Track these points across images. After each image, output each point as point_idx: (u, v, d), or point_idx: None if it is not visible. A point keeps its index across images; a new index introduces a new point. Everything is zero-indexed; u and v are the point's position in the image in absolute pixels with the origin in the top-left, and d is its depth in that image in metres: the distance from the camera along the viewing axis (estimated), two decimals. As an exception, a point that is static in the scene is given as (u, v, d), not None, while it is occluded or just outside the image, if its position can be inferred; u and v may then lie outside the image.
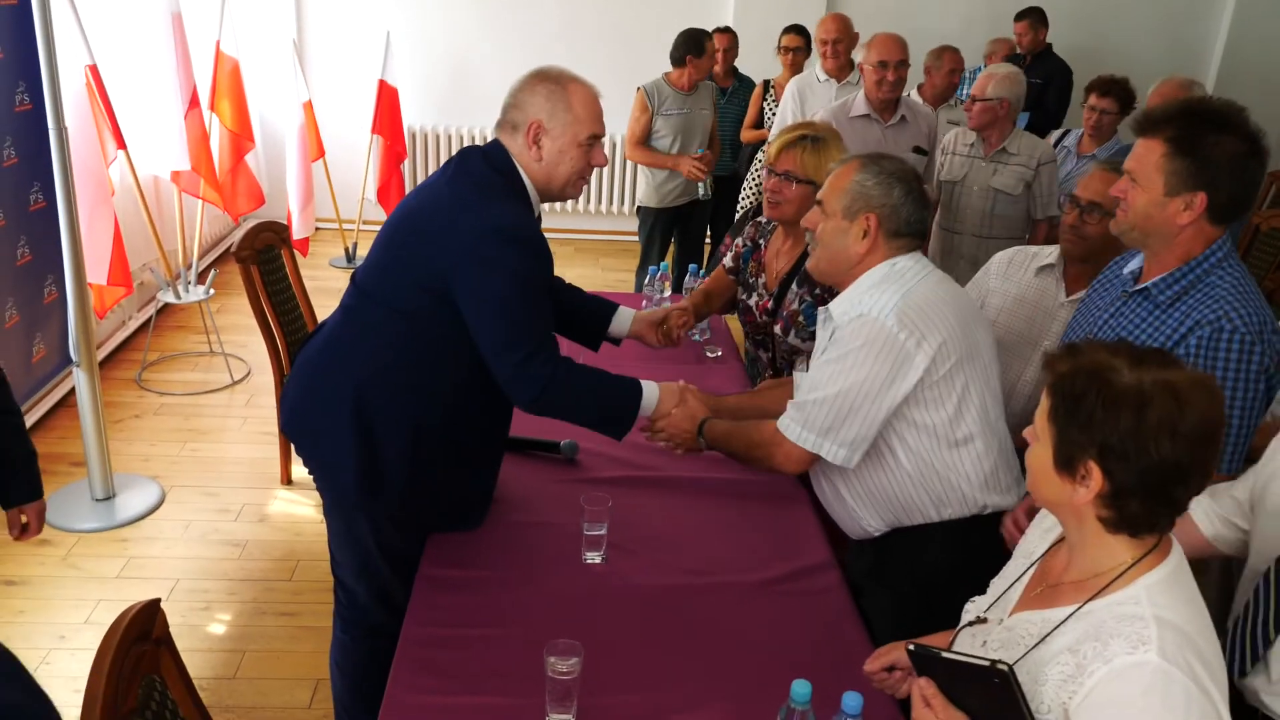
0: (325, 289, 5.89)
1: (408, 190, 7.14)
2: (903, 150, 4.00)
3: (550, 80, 2.12)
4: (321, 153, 6.40)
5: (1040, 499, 1.40)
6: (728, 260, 2.98)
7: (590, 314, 2.62)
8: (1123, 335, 2.07)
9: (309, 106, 6.25)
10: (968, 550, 2.05)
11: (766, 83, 5.47)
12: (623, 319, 2.63)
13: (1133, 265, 2.15)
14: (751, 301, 2.85)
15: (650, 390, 2.26)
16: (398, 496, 2.14)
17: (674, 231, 5.23)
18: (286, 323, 3.74)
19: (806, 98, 4.83)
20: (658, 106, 4.91)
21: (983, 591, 1.61)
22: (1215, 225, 2.00)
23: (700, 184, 4.92)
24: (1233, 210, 1.98)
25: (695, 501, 2.45)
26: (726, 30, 5.54)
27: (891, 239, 2.09)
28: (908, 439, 2.04)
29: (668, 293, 3.51)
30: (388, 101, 6.55)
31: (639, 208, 5.27)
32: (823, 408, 2.04)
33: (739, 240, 2.98)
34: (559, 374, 2.09)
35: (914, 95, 4.80)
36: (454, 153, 7.18)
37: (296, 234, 6.06)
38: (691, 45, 4.84)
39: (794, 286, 2.70)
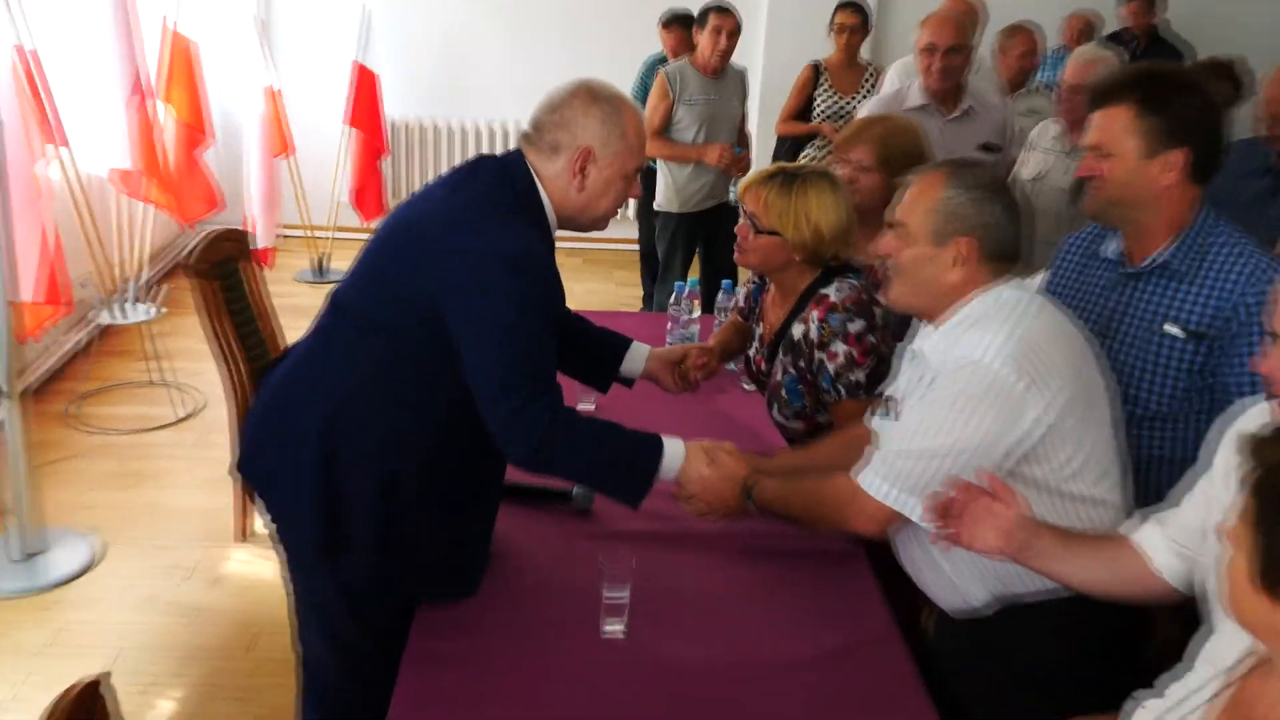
0: (292, 308, 5.87)
1: (388, 193, 7.21)
2: (967, 148, 3.99)
3: (605, 102, 2.17)
4: (289, 148, 6.46)
5: (1238, 617, 1.31)
6: (740, 296, 3.01)
7: (600, 350, 2.64)
8: (1158, 317, 2.24)
9: (275, 94, 6.31)
10: (1089, 632, 2.01)
11: (816, 66, 5.49)
12: (636, 357, 2.65)
13: (1112, 247, 2.37)
14: (751, 352, 2.86)
15: (674, 449, 2.22)
16: (367, 555, 2.14)
17: (698, 240, 5.23)
18: (248, 347, 3.74)
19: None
20: (680, 93, 4.93)
21: (1112, 685, 1.57)
22: (1196, 184, 2.22)
23: (733, 182, 4.94)
24: (1211, 164, 2.21)
25: (732, 560, 2.44)
26: (726, 10, 5.25)
27: (988, 264, 2.07)
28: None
29: (697, 313, 3.52)
30: (366, 89, 6.61)
31: (656, 213, 5.27)
32: (918, 462, 2.01)
33: (751, 273, 2.96)
34: (560, 424, 2.09)
35: (981, 81, 4.79)
36: (442, 149, 7.43)
37: (259, 243, 6.09)
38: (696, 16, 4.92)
39: (780, 353, 2.66)
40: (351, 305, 2.17)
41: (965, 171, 2.11)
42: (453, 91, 7.30)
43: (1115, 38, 6.43)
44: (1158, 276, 2.26)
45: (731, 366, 3.40)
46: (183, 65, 5.55)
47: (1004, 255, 2.08)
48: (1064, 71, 4.11)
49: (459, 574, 2.26)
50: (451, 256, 2.02)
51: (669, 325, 3.48)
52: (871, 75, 5.51)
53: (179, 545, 3.91)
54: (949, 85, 3.99)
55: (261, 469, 2.20)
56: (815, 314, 2.52)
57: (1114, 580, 1.88)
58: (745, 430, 2.98)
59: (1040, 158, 4.10)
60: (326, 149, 6.98)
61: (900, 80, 4.82)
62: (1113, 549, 1.90)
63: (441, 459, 2.16)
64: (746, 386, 3.31)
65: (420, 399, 2.11)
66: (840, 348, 2.49)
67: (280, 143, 6.38)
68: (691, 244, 5.22)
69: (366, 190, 6.85)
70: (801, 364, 2.58)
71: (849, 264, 2.62)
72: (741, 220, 2.63)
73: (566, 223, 2.24)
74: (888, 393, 2.21)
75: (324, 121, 7.05)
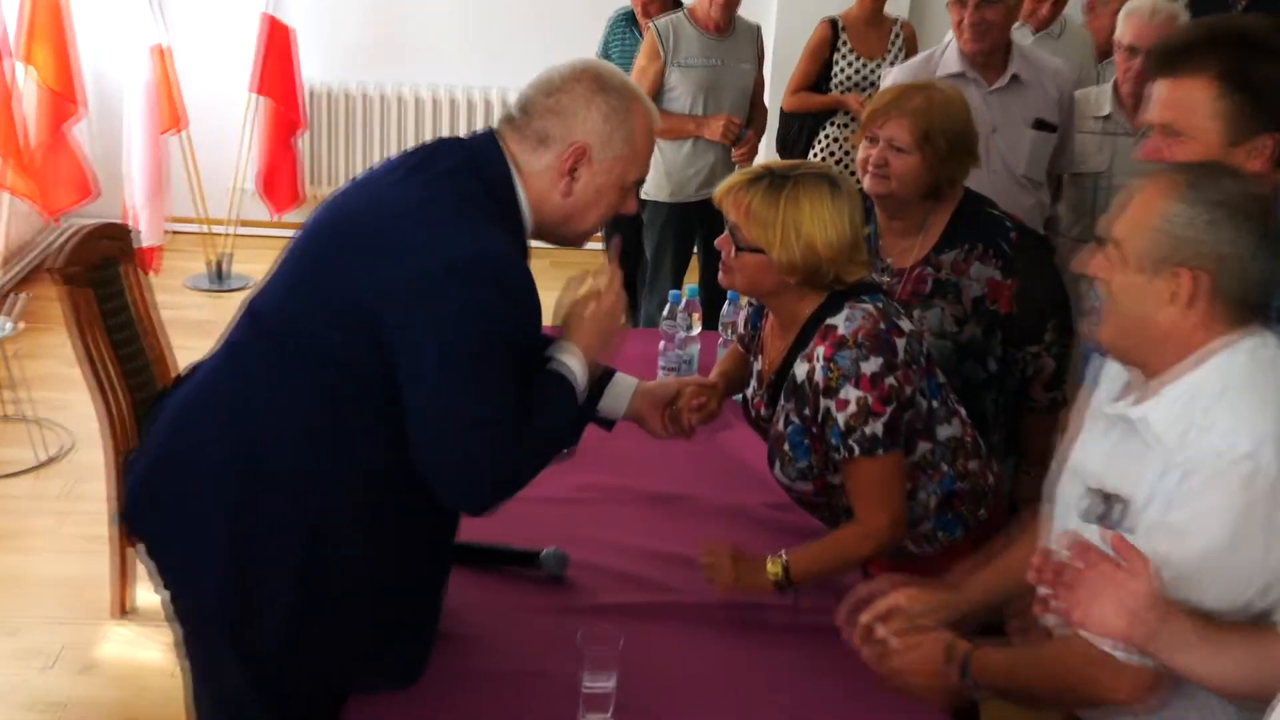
0: (182, 322, 5.86)
1: (304, 179, 7.22)
2: (1016, 125, 4.00)
3: (614, 93, 2.20)
4: (180, 122, 6.45)
5: None
6: (739, 320, 2.99)
7: None
8: None
9: (163, 54, 6.32)
10: None
11: (834, 22, 5.51)
12: (618, 393, 2.62)
13: None
14: (748, 391, 2.83)
15: (623, 383, 2.55)
16: (286, 631, 2.14)
17: (695, 237, 5.26)
18: (130, 372, 3.73)
19: None
20: (672, 53, 4.96)
21: None
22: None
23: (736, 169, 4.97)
24: None
25: (738, 638, 2.47)
26: None
27: (1225, 307, 1.93)
28: None
29: (697, 328, 3.53)
30: (278, 49, 6.62)
31: (643, 202, 5.30)
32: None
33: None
34: (517, 465, 2.14)
35: (1064, 46, 4.83)
36: (373, 123, 7.43)
37: (142, 241, 6.08)
38: None
39: (781, 398, 2.64)
40: (272, 318, 2.17)
41: (1209, 182, 1.95)
42: (386, 51, 7.31)
43: None
44: None
45: (739, 398, 3.42)
46: (48, 17, 5.54)
47: (1247, 300, 1.94)
48: (1120, 29, 4.16)
49: (399, 656, 2.25)
50: (395, 259, 2.03)
51: (661, 345, 3.49)
52: (899, 33, 5.55)
53: (40, 624, 3.86)
54: (985, 46, 3.98)
55: (154, 520, 2.20)
56: (821, 351, 2.48)
57: (1267, 681, 1.80)
58: (756, 479, 3.00)
59: (1092, 143, 4.18)
60: (227, 123, 6.95)
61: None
62: (1269, 643, 1.84)
63: (380, 511, 2.16)
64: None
65: (355, 436, 2.11)
66: (851, 393, 2.45)
67: (171, 115, 6.38)
68: (687, 241, 5.24)
69: (278, 175, 6.85)
70: (807, 412, 2.55)
71: (864, 283, 2.60)
72: (724, 233, 2.60)
73: (543, 231, 2.26)
74: (1092, 483, 2.05)
75: (225, 89, 7.03)
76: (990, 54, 3.99)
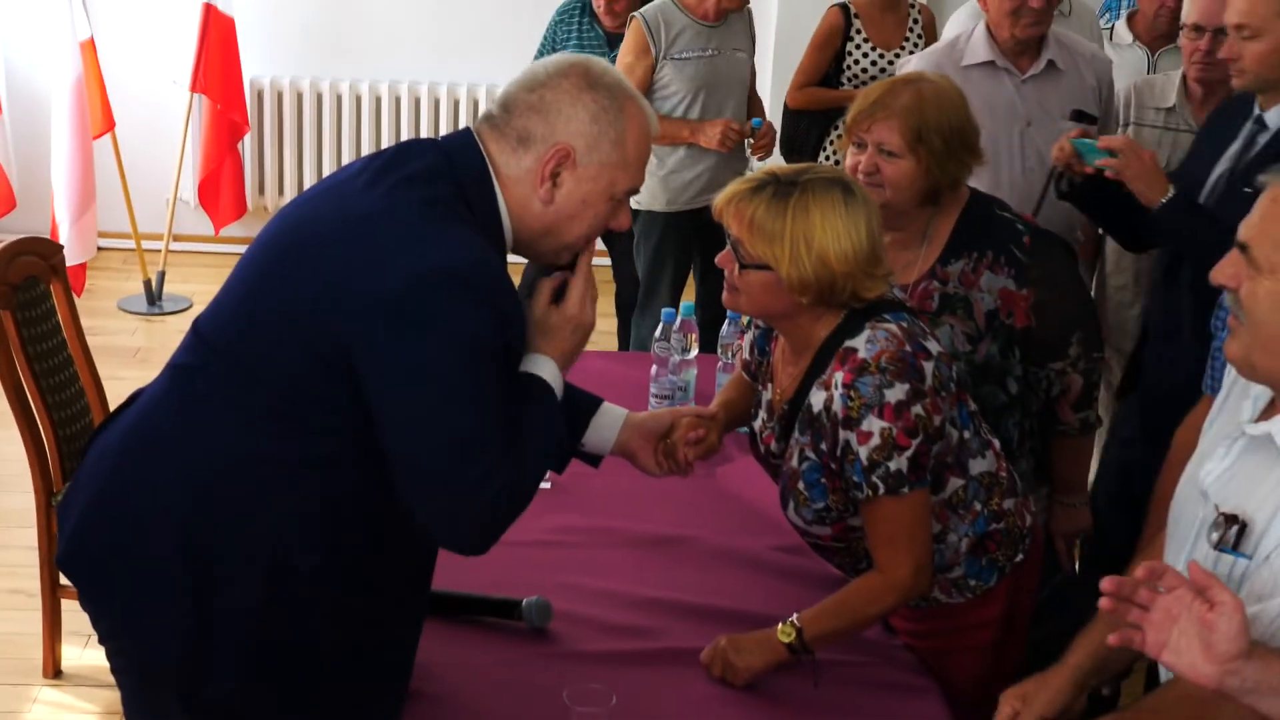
0: (113, 349, 5.92)
1: (249, 187, 7.23)
2: (1052, 118, 4.03)
3: (604, 91, 2.21)
4: (110, 124, 6.46)
5: None
6: (745, 343, 2.98)
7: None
8: None
9: (90, 49, 6.33)
10: None
11: (844, 8, 5.54)
12: (606, 424, 2.63)
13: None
14: (756, 424, 2.83)
15: (611, 414, 2.59)
16: (243, 686, 2.15)
17: (694, 250, 5.29)
18: (57, 405, 3.75)
19: None
20: (665, 47, 5.00)
21: None
22: None
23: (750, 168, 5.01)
24: None
25: (735, 689, 2.49)
26: None
27: None
28: None
29: (694, 351, 3.55)
30: (219, 41, 6.65)
31: (635, 212, 5.33)
32: None
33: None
34: (514, 484, 2.14)
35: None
36: (325, 123, 7.41)
37: (68, 258, 6.09)
38: None
39: (795, 430, 2.64)
40: (224, 339, 2.19)
41: None
42: (340, 43, 7.32)
43: None
44: None
45: (745, 430, 3.45)
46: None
47: None
48: (1185, 9, 4.19)
49: (367, 716, 2.27)
50: (361, 273, 2.05)
51: (653, 370, 3.51)
52: (917, 19, 5.58)
53: (-41, 687, 3.87)
54: (1039, 33, 4.04)
55: (97, 566, 2.20)
56: (840, 377, 2.47)
57: None
58: (761, 519, 3.05)
59: (1150, 136, 4.17)
60: (163, 125, 6.99)
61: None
62: None
63: (351, 549, 2.17)
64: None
65: (321, 466, 2.13)
66: (875, 424, 2.44)
67: (100, 117, 6.38)
68: (685, 255, 5.26)
69: (219, 184, 6.87)
70: (824, 446, 2.54)
71: (885, 300, 2.59)
72: (726, 249, 2.60)
73: (523, 245, 2.27)
74: (1225, 507, 2.04)
75: (159, 87, 7.08)
76: (1030, 41, 4.04)
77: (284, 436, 2.13)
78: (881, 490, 2.44)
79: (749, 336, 2.94)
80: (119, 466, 2.21)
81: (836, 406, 2.46)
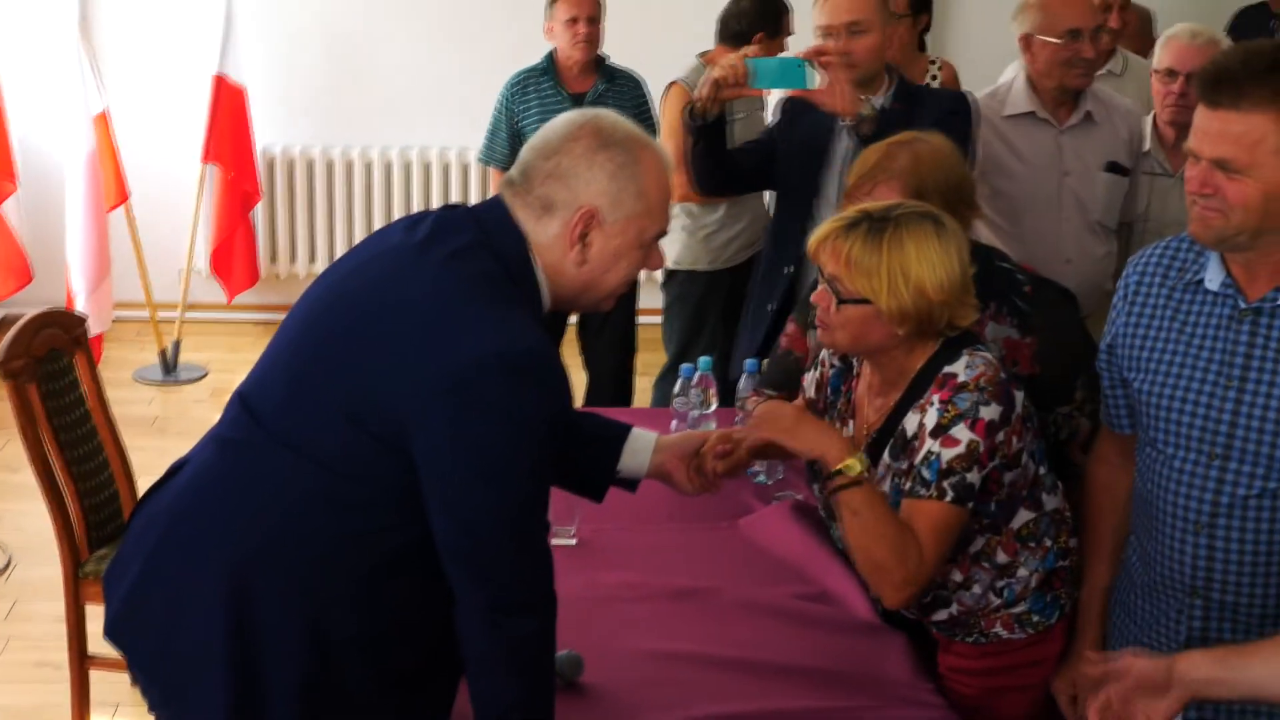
0: (131, 419, 5.90)
1: (262, 256, 7.28)
2: (1089, 169, 4.10)
3: (617, 148, 2.24)
4: (124, 196, 6.53)
5: None
6: (807, 384, 3.01)
7: (588, 443, 2.69)
8: None
9: (104, 121, 6.40)
10: None
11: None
12: (639, 449, 2.70)
13: (1214, 276, 2.42)
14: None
15: (642, 439, 2.64)
16: None
17: (730, 307, 5.30)
18: (82, 476, 3.76)
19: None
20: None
21: None
22: None
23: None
24: None
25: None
26: None
27: None
28: None
29: (713, 405, 3.59)
30: (230, 111, 6.73)
31: (671, 273, 5.36)
32: None
33: (826, 352, 2.96)
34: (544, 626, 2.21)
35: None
36: (336, 191, 7.42)
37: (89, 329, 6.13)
38: (768, 15, 5.02)
39: (886, 456, 2.69)
40: (273, 415, 2.22)
41: None
42: (349, 110, 7.41)
43: (1255, 11, 6.59)
44: None
45: (761, 476, 3.51)
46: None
47: None
48: (1158, 55, 4.26)
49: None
50: (419, 356, 2.09)
51: (673, 424, 3.55)
52: (937, 75, 5.62)
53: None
54: (1085, 84, 4.09)
55: (148, 630, 2.23)
56: (937, 397, 2.56)
57: None
58: (782, 568, 3.08)
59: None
60: (176, 196, 7.05)
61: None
62: None
63: (391, 621, 2.21)
64: (780, 496, 3.40)
65: (367, 542, 2.18)
66: (964, 434, 2.50)
67: (114, 189, 6.45)
68: (728, 315, 5.19)
69: (232, 253, 6.94)
70: (905, 464, 2.60)
71: (972, 331, 2.67)
72: (820, 287, 2.66)
73: (561, 303, 2.32)
74: None
75: (173, 158, 7.15)
76: (1073, 91, 4.10)
77: (332, 512, 2.17)
78: (949, 497, 2.49)
79: (812, 375, 2.97)
80: (167, 537, 2.25)
81: (929, 419, 2.53)
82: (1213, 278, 2.42)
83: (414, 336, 2.11)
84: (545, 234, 2.23)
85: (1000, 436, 2.50)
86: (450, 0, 7.30)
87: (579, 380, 5.73)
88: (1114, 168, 4.17)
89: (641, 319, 6.49)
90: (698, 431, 2.84)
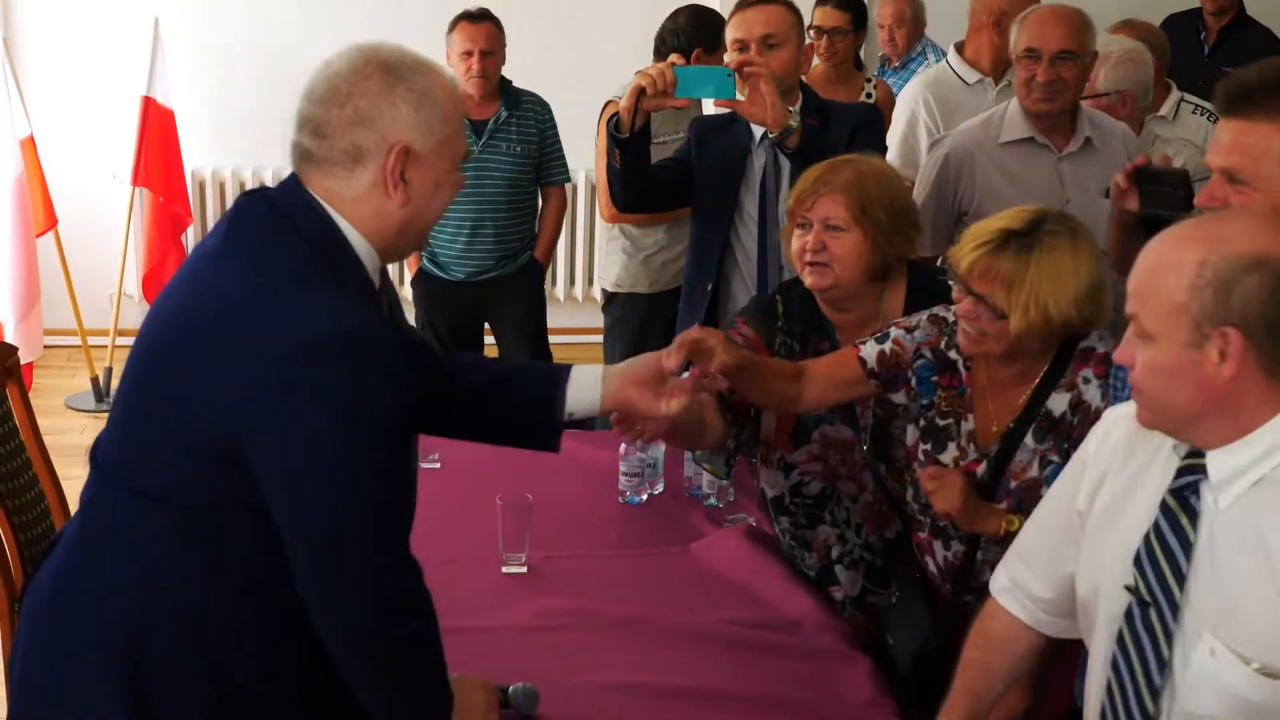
0: (64, 448, 5.82)
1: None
2: (1089, 195, 4.01)
3: (412, 76, 2.16)
4: (52, 221, 6.47)
5: None
6: (867, 353, 2.95)
7: (526, 391, 2.59)
8: None
9: (30, 146, 6.35)
10: None
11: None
12: (585, 384, 2.57)
13: None
14: (948, 456, 2.89)
15: (585, 374, 2.54)
16: None
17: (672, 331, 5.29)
18: (17, 509, 3.70)
19: (946, 111, 4.98)
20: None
21: None
22: None
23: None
24: None
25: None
26: (483, 17, 5.35)
27: None
28: None
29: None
30: (159, 134, 6.69)
31: (611, 295, 5.33)
32: None
33: (915, 334, 2.93)
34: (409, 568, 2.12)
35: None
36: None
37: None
38: (704, 30, 4.97)
39: (1029, 439, 2.77)
40: (114, 463, 2.17)
41: None
42: (279, 131, 7.19)
43: (1182, 20, 6.68)
44: None
45: (711, 499, 3.49)
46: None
47: None
48: (1014, 36, 4.19)
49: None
50: (238, 357, 2.00)
51: (621, 448, 3.51)
52: (871, 94, 5.65)
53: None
54: (1057, 107, 4.02)
55: (47, 701, 2.18)
56: (1091, 372, 2.70)
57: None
58: (746, 596, 3.07)
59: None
60: (103, 221, 7.02)
61: (926, 109, 5.02)
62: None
63: (297, 645, 2.13)
64: (730, 523, 3.38)
65: (241, 571, 2.11)
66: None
67: (43, 215, 6.39)
68: (666, 338, 5.15)
69: (164, 276, 6.79)
70: (1066, 446, 2.71)
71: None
72: (964, 301, 2.72)
73: (391, 251, 2.23)
74: None
75: (100, 182, 7.10)
76: (1059, 116, 4.08)
77: (195, 549, 2.10)
78: None
79: (872, 347, 2.94)
80: (51, 611, 2.20)
81: (1091, 395, 2.72)
82: None
83: (234, 338, 2.01)
84: (358, 186, 2.13)
85: None
86: (379, 21, 7.21)
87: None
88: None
89: (582, 339, 6.49)
90: (648, 354, 2.68)
